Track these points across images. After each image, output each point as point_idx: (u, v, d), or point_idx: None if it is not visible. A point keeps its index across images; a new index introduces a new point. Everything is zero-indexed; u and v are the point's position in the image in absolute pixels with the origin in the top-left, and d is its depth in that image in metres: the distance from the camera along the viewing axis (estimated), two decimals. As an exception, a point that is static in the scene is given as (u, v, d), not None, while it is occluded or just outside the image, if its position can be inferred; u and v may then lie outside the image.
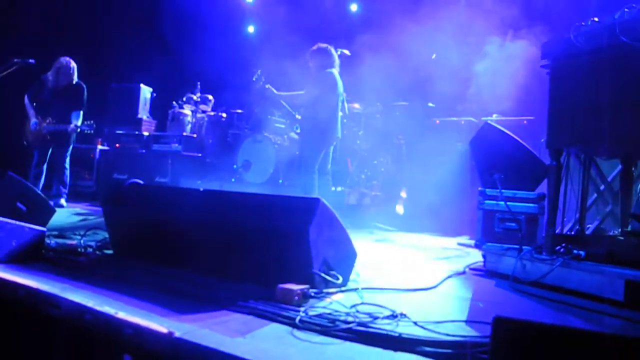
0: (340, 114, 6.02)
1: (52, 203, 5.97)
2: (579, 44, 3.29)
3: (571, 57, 3.36)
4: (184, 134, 8.49)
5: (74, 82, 6.90)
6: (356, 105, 7.89)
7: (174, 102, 9.13)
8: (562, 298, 2.97)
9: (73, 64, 6.89)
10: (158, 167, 8.26)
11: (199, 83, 9.24)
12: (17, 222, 3.17)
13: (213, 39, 11.22)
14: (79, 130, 6.84)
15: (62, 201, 6.77)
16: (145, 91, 9.84)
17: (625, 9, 3.08)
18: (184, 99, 9.22)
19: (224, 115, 8.75)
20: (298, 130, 7.27)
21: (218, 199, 3.03)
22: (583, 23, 3.27)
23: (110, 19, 10.10)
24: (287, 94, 6.38)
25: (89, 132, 7.25)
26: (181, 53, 10.66)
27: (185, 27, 10.64)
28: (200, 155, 8.49)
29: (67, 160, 6.94)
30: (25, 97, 6.84)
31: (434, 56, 9.64)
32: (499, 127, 4.25)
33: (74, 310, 2.23)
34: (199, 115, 8.99)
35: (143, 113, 9.67)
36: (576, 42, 3.30)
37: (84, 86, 6.95)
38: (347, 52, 6.81)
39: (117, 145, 8.81)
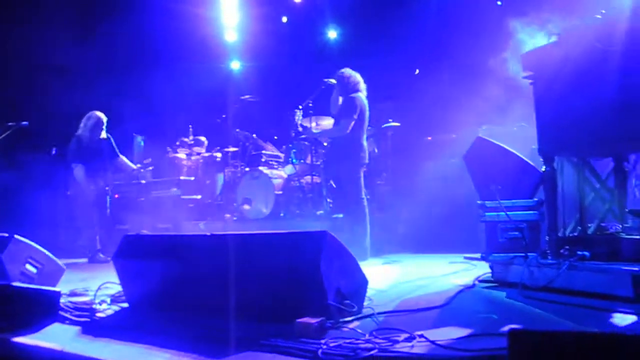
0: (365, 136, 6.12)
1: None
2: (558, 51, 3.41)
3: (552, 65, 3.48)
4: (181, 177, 8.55)
5: (103, 137, 7.18)
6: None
7: (168, 148, 9.23)
8: (572, 300, 3.03)
9: (103, 119, 7.18)
10: (159, 213, 8.31)
11: (190, 126, 9.35)
12: (31, 286, 3.21)
13: (198, 79, 11.39)
14: (142, 170, 7.10)
15: (101, 255, 6.91)
16: (138, 139, 9.96)
17: (598, 15, 3.21)
18: (178, 142, 9.32)
19: (219, 155, 8.84)
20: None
21: (227, 242, 3.09)
22: (557, 33, 3.39)
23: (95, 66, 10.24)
24: (324, 130, 6.71)
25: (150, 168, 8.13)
26: (169, 96, 10.82)
27: (170, 70, 10.81)
28: (199, 197, 8.56)
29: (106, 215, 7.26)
30: (72, 159, 7.03)
31: (417, 72, 9.82)
32: (490, 139, 4.35)
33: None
34: (193, 157, 9.07)
35: (138, 161, 9.79)
36: (554, 50, 3.42)
37: (111, 138, 7.28)
38: (332, 81, 6.94)
39: (116, 195, 8.86)
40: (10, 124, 6.79)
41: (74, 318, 3.17)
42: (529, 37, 4.05)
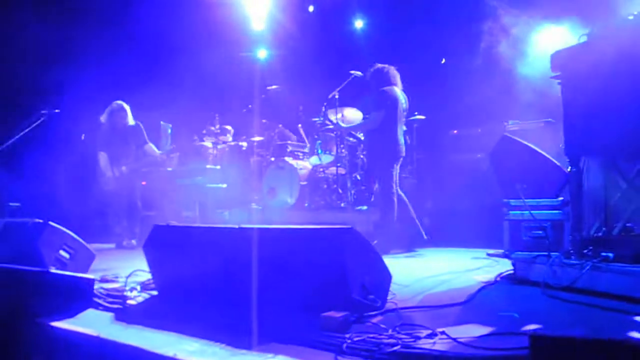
0: (404, 128, 6.15)
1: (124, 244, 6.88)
2: (588, 52, 3.40)
3: (581, 65, 3.47)
4: (207, 166, 8.69)
5: (131, 124, 7.34)
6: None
7: (195, 136, 9.37)
8: (594, 301, 3.04)
9: (125, 107, 7.33)
10: (184, 200, 8.47)
11: (217, 115, 9.46)
12: (68, 273, 3.34)
13: (225, 68, 11.48)
14: (165, 157, 7.49)
15: (134, 242, 7.14)
16: (165, 127, 10.11)
17: (630, 17, 3.19)
18: (204, 131, 9.45)
19: (245, 144, 8.95)
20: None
21: (254, 235, 3.17)
22: (586, 32, 3.39)
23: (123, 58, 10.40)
24: (357, 124, 6.75)
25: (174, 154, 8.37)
26: (196, 84, 10.94)
27: (197, 58, 10.90)
28: (225, 185, 8.68)
29: (138, 198, 7.48)
30: (97, 146, 7.32)
31: (443, 61, 9.73)
32: (516, 138, 4.37)
33: (135, 356, 2.38)
34: (219, 146, 9.19)
35: (165, 149, 9.94)
36: (584, 50, 3.42)
37: (140, 124, 7.43)
38: (358, 73, 6.97)
39: (143, 182, 9.04)
40: (43, 111, 7.00)
41: (106, 304, 3.30)
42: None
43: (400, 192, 6.08)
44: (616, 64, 3.25)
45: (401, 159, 6.10)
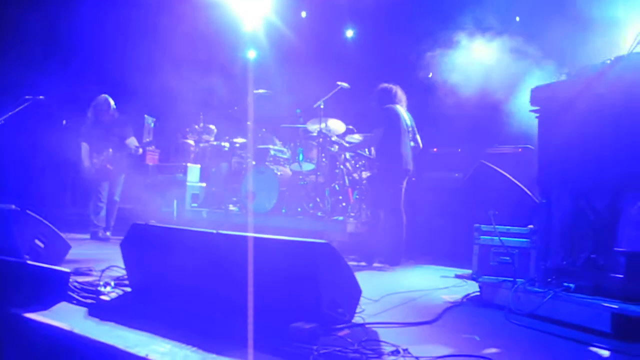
0: (412, 144, 6.23)
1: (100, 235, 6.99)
2: (565, 90, 3.55)
3: (558, 102, 3.62)
4: (188, 164, 8.72)
5: (116, 117, 7.42)
6: (356, 137, 8.03)
7: (178, 133, 9.40)
8: (554, 329, 3.19)
9: (110, 101, 7.38)
10: (163, 196, 8.49)
11: (201, 113, 9.50)
12: (44, 265, 3.36)
13: (214, 68, 11.50)
14: (140, 150, 7.52)
15: (108, 234, 7.28)
16: (149, 121, 10.11)
17: (607, 61, 3.34)
18: (187, 129, 9.48)
19: (227, 145, 8.99)
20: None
21: (231, 242, 3.24)
22: (566, 72, 3.54)
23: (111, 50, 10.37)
24: (358, 143, 7.02)
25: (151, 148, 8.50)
26: (182, 82, 10.94)
27: (184, 56, 10.91)
28: (204, 185, 8.72)
29: (118, 192, 7.53)
30: (82, 136, 7.38)
31: (430, 75, 9.84)
32: (492, 166, 4.51)
33: (107, 353, 2.43)
34: (202, 145, 9.24)
35: (144, 141, 9.93)
36: (562, 88, 3.57)
37: (126, 118, 7.55)
38: (345, 84, 7.09)
39: (123, 175, 9.03)
40: (27, 97, 6.97)
41: (80, 299, 3.33)
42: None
43: (402, 209, 6.12)
44: (591, 104, 3.40)
45: (407, 176, 6.17)
